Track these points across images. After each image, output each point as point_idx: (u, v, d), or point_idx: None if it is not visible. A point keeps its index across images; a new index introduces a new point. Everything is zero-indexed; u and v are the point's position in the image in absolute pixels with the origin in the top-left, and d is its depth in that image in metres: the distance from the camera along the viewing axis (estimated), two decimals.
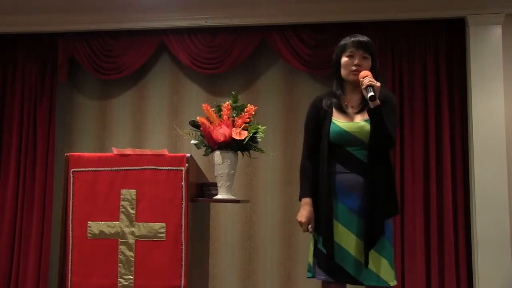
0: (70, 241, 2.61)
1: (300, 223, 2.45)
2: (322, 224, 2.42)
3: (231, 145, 2.67)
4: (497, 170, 4.19)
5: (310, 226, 2.45)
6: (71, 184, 2.64)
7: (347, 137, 2.42)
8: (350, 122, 2.44)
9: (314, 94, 4.69)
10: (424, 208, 4.30)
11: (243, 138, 2.64)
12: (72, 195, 2.64)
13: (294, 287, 4.62)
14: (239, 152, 2.73)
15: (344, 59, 2.49)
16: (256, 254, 4.71)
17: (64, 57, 4.91)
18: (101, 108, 5.07)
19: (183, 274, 2.53)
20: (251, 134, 2.68)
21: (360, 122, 2.42)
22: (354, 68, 2.45)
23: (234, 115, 2.71)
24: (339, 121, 2.45)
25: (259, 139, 2.74)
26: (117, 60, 4.87)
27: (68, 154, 2.70)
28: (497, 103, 4.27)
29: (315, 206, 2.46)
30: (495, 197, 4.16)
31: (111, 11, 4.75)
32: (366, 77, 2.34)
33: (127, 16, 4.77)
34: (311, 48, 4.58)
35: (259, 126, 2.73)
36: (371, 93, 2.29)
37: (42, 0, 4.62)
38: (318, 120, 2.51)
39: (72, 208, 2.63)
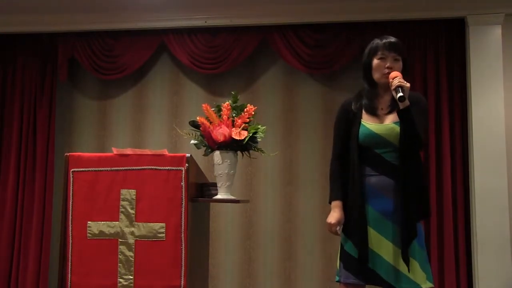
0: (70, 241, 2.61)
1: (330, 224, 2.42)
2: (352, 228, 2.40)
3: (231, 145, 2.67)
4: (497, 170, 4.19)
5: (338, 228, 2.43)
6: (71, 184, 2.64)
7: (376, 139, 2.41)
8: (379, 124, 2.43)
9: (314, 94, 4.79)
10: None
11: (243, 138, 2.64)
12: (72, 195, 2.64)
13: (294, 287, 4.62)
14: (239, 152, 2.73)
15: (375, 62, 2.48)
16: (256, 254, 4.71)
17: (64, 57, 4.91)
18: (101, 108, 5.07)
19: (183, 274, 2.53)
20: (251, 134, 2.68)
21: (390, 124, 2.40)
22: (386, 70, 2.43)
23: (234, 115, 2.72)
24: (368, 123, 2.45)
25: (259, 139, 2.74)
26: (117, 60, 4.87)
27: (68, 154, 2.70)
28: (497, 103, 4.27)
29: (345, 208, 2.45)
30: (495, 197, 4.16)
31: (111, 11, 4.75)
32: (396, 78, 2.34)
33: (127, 16, 4.77)
34: (311, 48, 4.58)
35: (259, 126, 2.73)
36: (400, 94, 2.29)
37: (42, 0, 4.61)
38: (347, 122, 2.51)
39: (72, 208, 2.63)
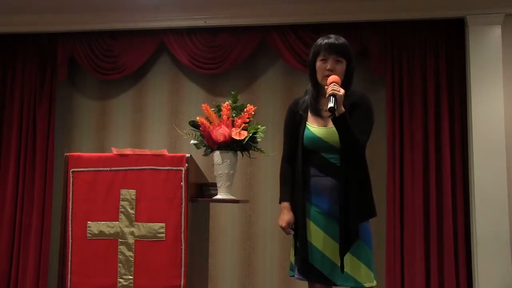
0: (70, 241, 2.61)
1: (281, 227, 2.48)
2: (296, 226, 2.46)
3: (230, 145, 2.67)
4: (497, 170, 4.19)
5: (290, 229, 2.49)
6: (71, 184, 2.64)
7: (320, 143, 2.43)
8: (323, 128, 2.44)
9: None
10: (423, 208, 4.30)
11: (242, 138, 2.64)
12: (72, 195, 2.63)
13: (293, 287, 4.62)
14: (238, 152, 2.73)
15: (318, 63, 2.47)
16: (256, 254, 4.71)
17: (64, 57, 4.92)
18: (101, 108, 5.07)
19: (182, 274, 2.53)
20: (250, 134, 2.68)
21: (333, 127, 2.38)
22: (326, 73, 2.42)
23: (234, 115, 2.71)
24: (313, 126, 2.46)
25: (258, 139, 2.74)
26: (117, 60, 4.88)
27: (68, 154, 2.70)
28: (496, 103, 4.27)
29: (293, 208, 2.49)
30: (495, 197, 4.16)
31: (111, 11, 4.76)
32: (331, 85, 2.30)
33: (127, 16, 4.77)
34: (311, 48, 4.57)
35: (259, 126, 2.73)
36: (331, 104, 2.25)
37: (42, 0, 4.62)
38: (294, 124, 2.53)
39: (71, 208, 2.63)
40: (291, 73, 4.79)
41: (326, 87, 2.34)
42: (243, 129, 2.67)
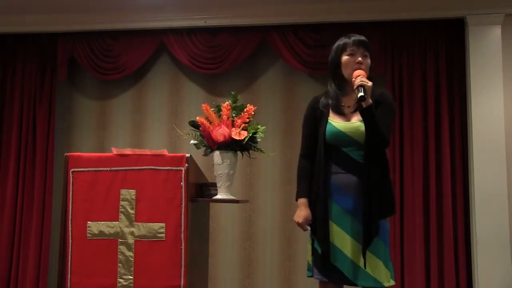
0: (70, 241, 2.61)
1: (298, 224, 2.47)
2: (317, 225, 2.44)
3: (230, 145, 2.68)
4: (497, 170, 4.19)
5: (308, 225, 2.47)
6: (71, 184, 2.64)
7: (342, 138, 2.43)
8: (346, 123, 2.45)
9: (314, 94, 4.70)
10: (423, 208, 4.30)
11: (242, 138, 2.64)
12: (72, 195, 2.64)
13: (293, 287, 4.62)
14: (238, 152, 2.74)
15: (345, 58, 2.49)
16: (256, 254, 4.71)
17: (64, 57, 4.91)
18: (101, 108, 5.07)
19: (182, 274, 2.53)
20: (250, 134, 2.68)
21: (356, 122, 2.42)
22: (356, 66, 2.44)
23: (234, 115, 2.72)
24: (335, 121, 2.46)
25: (258, 139, 2.74)
26: (117, 60, 4.87)
27: (68, 154, 2.70)
28: (496, 103, 4.27)
29: (311, 206, 2.48)
30: (495, 197, 4.16)
31: (111, 11, 4.75)
32: (359, 77, 2.35)
33: (127, 16, 4.77)
34: (311, 48, 4.58)
35: (259, 126, 2.73)
36: (361, 93, 2.29)
37: (42, 0, 4.61)
38: (315, 121, 2.53)
39: (71, 208, 2.63)
40: (291, 73, 4.79)
41: (353, 79, 2.37)
42: (243, 129, 2.67)
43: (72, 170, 2.65)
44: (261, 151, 2.77)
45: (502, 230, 4.13)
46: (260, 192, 4.76)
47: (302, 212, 2.48)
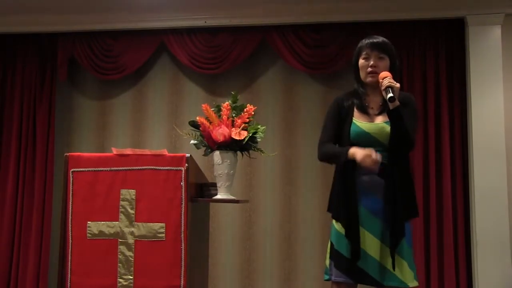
0: (70, 241, 2.61)
1: (371, 153, 2.30)
2: (344, 227, 2.42)
3: (230, 145, 2.67)
4: (497, 169, 4.19)
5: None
6: (71, 184, 2.64)
7: (367, 138, 2.42)
8: (370, 123, 2.45)
9: (314, 94, 4.79)
10: (423, 208, 4.30)
11: (242, 138, 2.64)
12: (72, 195, 2.64)
13: (293, 287, 4.62)
14: (238, 152, 2.73)
15: (361, 62, 2.50)
16: (256, 254, 4.71)
17: (64, 57, 4.91)
18: (101, 108, 5.07)
19: (182, 274, 2.53)
20: (250, 134, 2.68)
21: (381, 123, 2.42)
22: (370, 69, 2.45)
23: (234, 115, 2.72)
24: (359, 121, 2.46)
25: (258, 139, 2.74)
26: (117, 60, 4.87)
27: (68, 154, 2.70)
28: (496, 102, 4.27)
29: (332, 206, 2.51)
30: (495, 197, 4.16)
31: (111, 11, 4.76)
32: (386, 78, 2.35)
33: (127, 16, 4.77)
34: (311, 48, 4.58)
35: (259, 126, 2.73)
36: (390, 94, 2.30)
37: (42, 0, 4.61)
38: (339, 118, 2.53)
39: (71, 208, 2.63)
40: (291, 73, 4.79)
41: (380, 81, 2.37)
42: (243, 129, 2.67)
43: (72, 170, 2.65)
44: (261, 151, 2.77)
45: (502, 230, 4.13)
46: (260, 192, 4.76)
47: (361, 150, 2.34)
